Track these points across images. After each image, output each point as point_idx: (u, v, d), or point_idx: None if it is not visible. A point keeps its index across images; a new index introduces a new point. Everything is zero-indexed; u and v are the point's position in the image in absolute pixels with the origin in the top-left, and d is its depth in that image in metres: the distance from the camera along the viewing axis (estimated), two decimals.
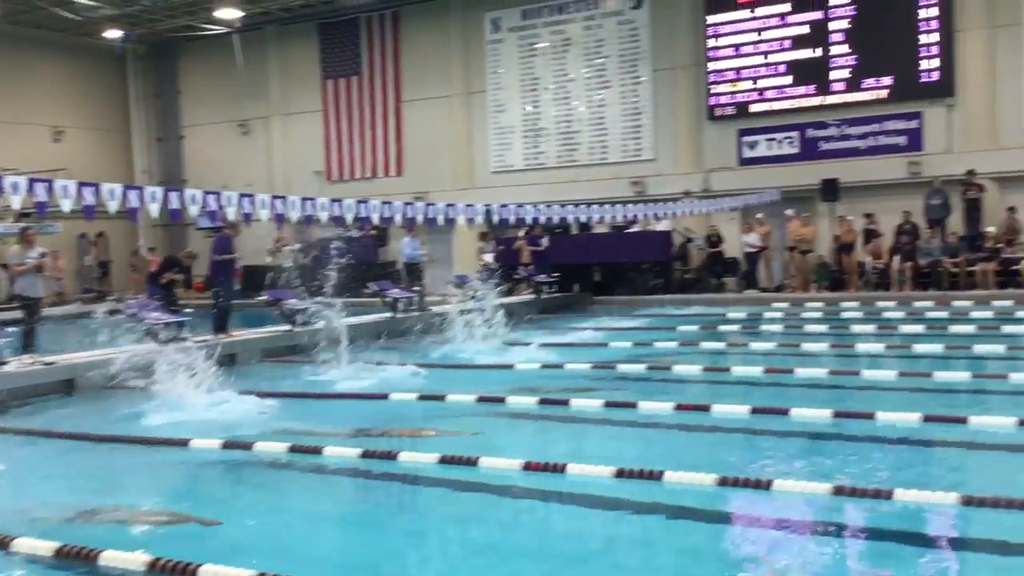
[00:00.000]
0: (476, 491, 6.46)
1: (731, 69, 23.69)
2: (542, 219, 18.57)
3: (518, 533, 5.76)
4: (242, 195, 13.13)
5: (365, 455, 7.23)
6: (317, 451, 7.46)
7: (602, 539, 5.54)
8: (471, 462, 6.79)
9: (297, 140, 29.67)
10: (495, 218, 17.42)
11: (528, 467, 6.64)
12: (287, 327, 14.60)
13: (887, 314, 16.79)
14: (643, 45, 25.00)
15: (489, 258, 20.76)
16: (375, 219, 15.57)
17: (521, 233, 21.80)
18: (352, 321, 15.81)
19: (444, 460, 6.88)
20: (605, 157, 25.58)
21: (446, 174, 27.16)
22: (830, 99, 22.68)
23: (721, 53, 23.78)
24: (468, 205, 17.00)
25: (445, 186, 26.36)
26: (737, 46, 23.61)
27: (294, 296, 14.88)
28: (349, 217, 14.98)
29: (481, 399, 9.49)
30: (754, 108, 23.54)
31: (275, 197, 13.62)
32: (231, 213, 12.93)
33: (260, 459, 7.51)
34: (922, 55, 21.70)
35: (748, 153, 23.68)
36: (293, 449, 7.51)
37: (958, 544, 5.24)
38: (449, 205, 16.70)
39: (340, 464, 7.25)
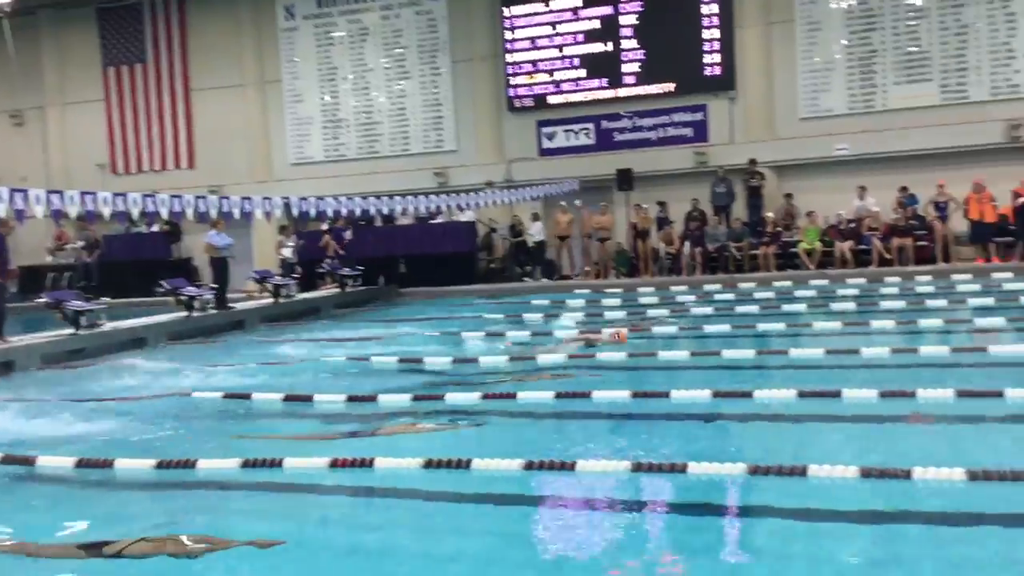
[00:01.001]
0: (280, 491, 6.24)
1: (528, 61, 24.11)
2: (344, 212, 18.24)
3: (326, 530, 5.60)
4: (13, 190, 12.12)
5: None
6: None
7: (411, 529, 5.46)
8: (275, 464, 6.54)
9: (77, 131, 27.83)
10: (295, 211, 16.95)
11: (335, 464, 6.46)
12: (71, 330, 13.64)
13: (680, 297, 17.56)
14: (442, 36, 25.04)
15: (289, 252, 20.22)
16: (164, 214, 14.76)
17: (324, 226, 21.36)
18: (144, 322, 15.05)
19: (246, 464, 6.60)
20: (407, 148, 25.46)
21: (242, 166, 26.25)
22: (622, 92, 23.50)
23: (518, 45, 24.16)
24: (266, 198, 16.45)
25: (241, 179, 25.49)
26: (533, 39, 24.05)
27: (76, 297, 13.90)
28: (135, 212, 14.14)
29: (288, 398, 9.18)
30: (552, 100, 24.06)
31: (51, 192, 12.65)
32: (1, 210, 11.91)
33: None
34: (705, 50, 22.84)
35: (547, 144, 24.19)
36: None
37: (747, 511, 5.51)
38: (245, 198, 16.09)
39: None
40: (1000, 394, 7.46)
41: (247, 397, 9.31)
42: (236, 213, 15.66)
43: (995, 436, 6.75)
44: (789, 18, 22.45)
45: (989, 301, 14.00)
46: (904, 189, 20.47)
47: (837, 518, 5.07)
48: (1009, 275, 17.01)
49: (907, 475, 5.51)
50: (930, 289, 16.29)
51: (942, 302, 14.35)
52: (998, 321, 12.00)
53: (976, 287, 15.97)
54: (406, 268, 22.05)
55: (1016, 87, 21.01)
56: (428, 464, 6.27)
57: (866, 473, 5.60)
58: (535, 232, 22.21)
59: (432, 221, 22.96)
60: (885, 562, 4.57)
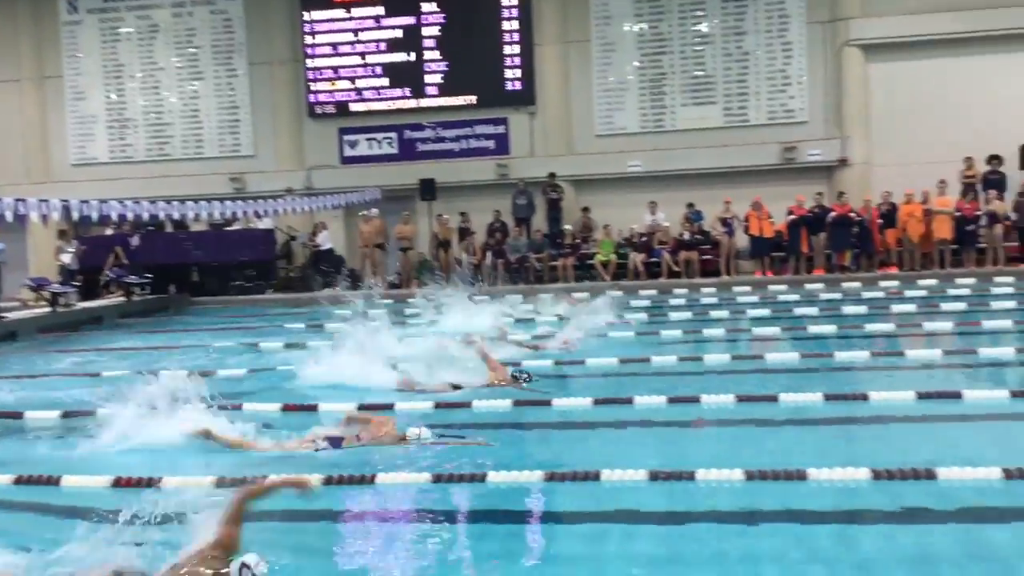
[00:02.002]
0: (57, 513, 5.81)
1: (330, 67, 23.73)
2: (130, 216, 17.25)
3: None
4: None
5: None
6: None
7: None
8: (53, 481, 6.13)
9: None
10: (75, 215, 15.88)
11: (118, 483, 6.08)
12: None
13: None
14: (238, 37, 24.23)
15: (68, 259, 18.93)
16: None
17: (109, 231, 20.14)
18: None
19: (20, 480, 6.16)
20: (201, 151, 24.45)
21: (18, 166, 24.38)
22: (425, 102, 23.54)
23: (319, 51, 23.73)
24: (43, 200, 15.32)
25: (17, 179, 23.64)
26: (335, 45, 23.69)
27: None
28: None
29: (67, 414, 8.54)
30: (354, 107, 23.78)
31: None
32: None
33: None
34: (506, 65, 23.25)
35: (350, 152, 23.87)
36: None
37: (547, 517, 5.60)
38: (19, 200, 14.92)
39: None
40: (775, 399, 7.94)
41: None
42: (8, 216, 14.50)
43: (770, 438, 7.15)
44: (585, 38, 23.21)
45: (766, 312, 14.92)
46: (691, 205, 21.58)
47: (629, 519, 5.23)
48: (783, 287, 18.24)
49: (691, 476, 5.76)
50: (714, 300, 17.21)
51: (724, 312, 15.18)
52: (774, 330, 12.81)
53: (754, 298, 17.01)
54: (200, 276, 21.12)
55: (791, 112, 22.61)
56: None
57: (654, 476, 5.81)
58: (322, 241, 21.85)
59: (228, 228, 22.12)
60: (670, 559, 4.73)
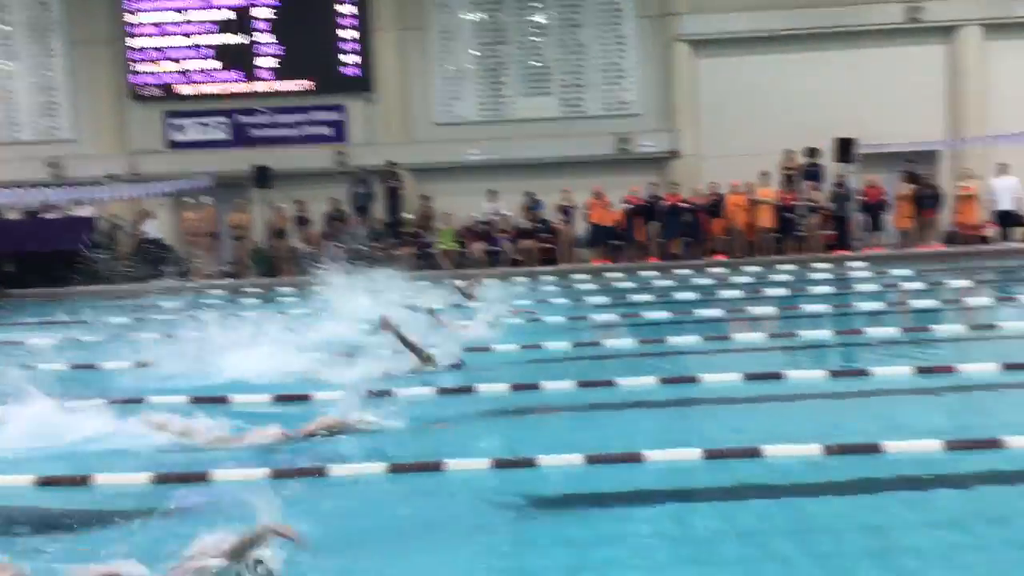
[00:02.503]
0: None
1: (154, 48, 22.66)
2: None
3: None
4: None
5: None
6: None
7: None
8: None
9: None
10: None
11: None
12: None
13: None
14: (55, 15, 22.83)
15: None
16: None
17: None
18: None
19: None
20: (16, 135, 22.91)
21: None
22: (258, 86, 22.84)
23: (142, 30, 22.62)
24: None
25: None
26: (159, 24, 22.64)
27: None
28: None
29: None
30: (181, 90, 22.80)
31: None
32: None
33: None
34: (343, 50, 22.83)
35: (178, 136, 22.89)
36: None
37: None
38: None
39: None
40: (611, 383, 8.11)
41: None
42: None
43: (608, 422, 7.29)
44: (423, 25, 23.08)
45: (605, 299, 15.27)
46: (530, 194, 21.84)
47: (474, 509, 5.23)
48: (620, 275, 18.72)
49: (531, 464, 5.82)
50: (554, 288, 17.48)
51: (564, 300, 15.43)
52: (612, 317, 13.12)
53: (593, 286, 17.38)
54: (14, 267, 19.78)
55: (625, 104, 23.21)
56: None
57: (499, 464, 5.83)
58: (150, 230, 20.94)
59: (45, 215, 20.80)
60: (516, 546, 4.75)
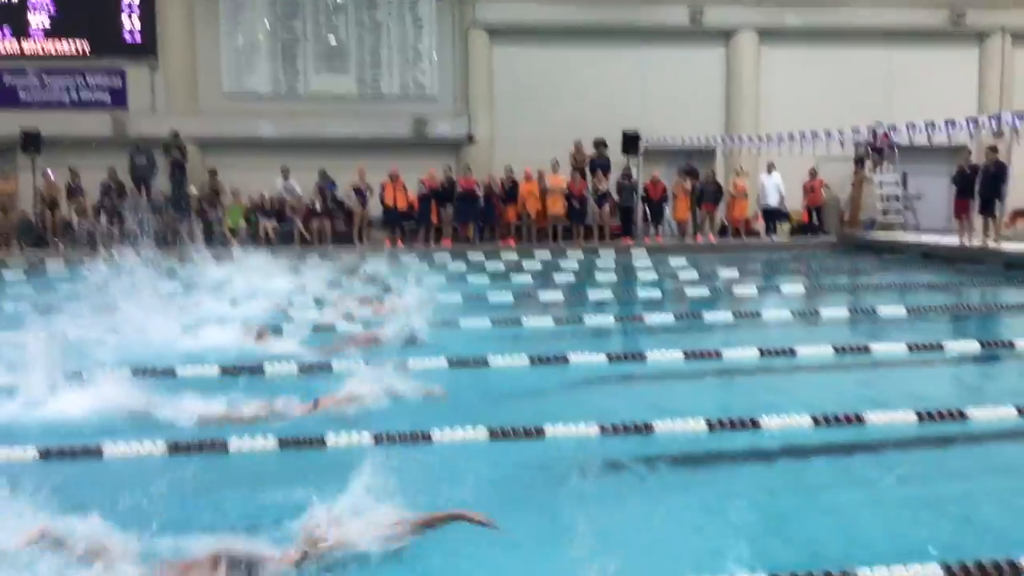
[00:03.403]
0: None
1: None
2: None
3: None
4: None
5: None
6: None
7: None
8: None
9: None
10: None
11: None
12: None
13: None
14: None
15: None
16: None
17: None
18: None
19: None
20: None
21: None
22: (28, 46, 21.19)
23: None
24: None
25: None
26: None
27: None
28: None
29: None
30: None
31: None
32: None
33: None
34: (124, 12, 21.53)
35: None
36: None
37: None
38: None
39: None
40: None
41: None
42: None
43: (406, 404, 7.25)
44: None
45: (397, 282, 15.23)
46: (324, 173, 21.44)
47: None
48: (414, 257, 18.73)
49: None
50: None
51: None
52: (405, 300, 13.07)
53: (388, 268, 17.27)
54: None
55: (422, 87, 23.21)
56: None
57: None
58: None
59: None
60: None
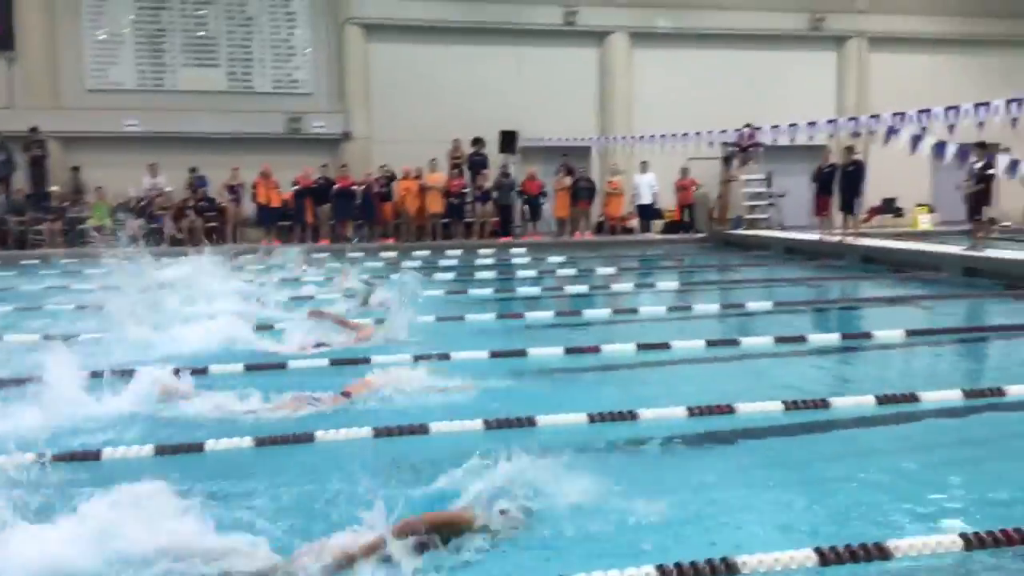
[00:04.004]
0: None
1: None
2: None
3: None
4: None
5: None
6: None
7: None
8: None
9: None
10: None
11: None
12: None
13: None
14: None
15: None
16: None
17: None
18: None
19: None
20: None
21: None
22: None
23: None
24: None
25: None
26: None
27: None
28: None
29: None
30: None
31: None
32: None
33: None
34: None
35: None
36: None
37: None
38: None
39: None
40: (283, 365, 8.03)
41: None
42: None
43: None
44: None
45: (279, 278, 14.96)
46: (194, 170, 20.86)
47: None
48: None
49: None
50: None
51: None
52: (279, 297, 12.84)
53: (261, 266, 16.92)
54: None
55: (296, 83, 22.83)
56: None
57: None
58: None
59: None
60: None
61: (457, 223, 21.90)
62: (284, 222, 20.99)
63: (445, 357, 8.25)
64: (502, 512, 4.15)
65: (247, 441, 5.75)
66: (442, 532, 4.00)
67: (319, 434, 5.85)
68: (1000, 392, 7.03)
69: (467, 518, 4.17)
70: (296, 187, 20.63)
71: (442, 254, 19.05)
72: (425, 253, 19.14)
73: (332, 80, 23.06)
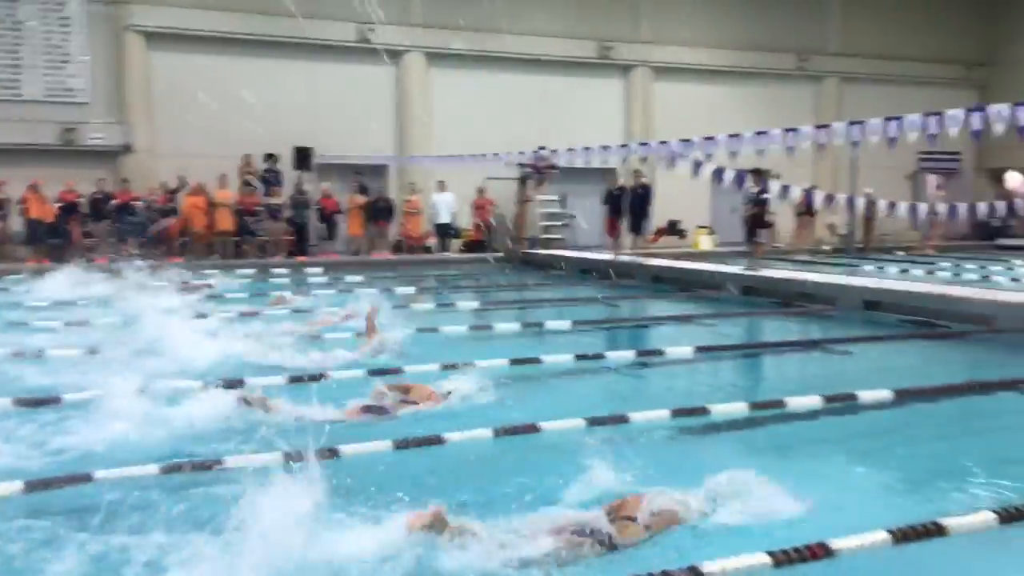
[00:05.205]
0: None
1: None
2: None
3: None
4: None
5: None
6: None
7: None
8: None
9: None
10: None
11: None
12: None
13: None
14: None
15: None
16: None
17: None
18: None
19: None
20: None
21: None
22: None
23: None
24: None
25: None
26: None
27: None
28: None
29: None
30: None
31: None
32: None
33: None
34: None
35: None
36: None
37: None
38: None
39: None
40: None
41: None
42: None
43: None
44: None
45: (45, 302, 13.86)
46: None
47: None
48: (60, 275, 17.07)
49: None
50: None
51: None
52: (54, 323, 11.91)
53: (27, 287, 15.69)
54: None
55: (71, 91, 21.36)
56: None
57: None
58: None
59: None
60: None
61: (250, 240, 21.11)
62: (56, 239, 19.52)
63: (239, 384, 7.85)
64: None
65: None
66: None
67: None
68: (781, 404, 7.44)
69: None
70: (60, 203, 19.25)
71: (232, 273, 18.26)
72: (214, 272, 18.29)
73: (110, 89, 21.71)
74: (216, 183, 20.79)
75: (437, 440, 6.12)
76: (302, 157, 22.21)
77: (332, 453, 5.62)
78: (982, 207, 19.06)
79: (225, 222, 20.60)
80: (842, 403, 7.57)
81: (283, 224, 21.56)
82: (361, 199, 22.25)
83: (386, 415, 7.02)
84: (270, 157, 21.89)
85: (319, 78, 23.44)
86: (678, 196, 24.68)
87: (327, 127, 22.82)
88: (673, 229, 26.07)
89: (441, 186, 23.18)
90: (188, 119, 21.92)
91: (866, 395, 7.72)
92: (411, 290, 16.14)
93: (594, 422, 6.65)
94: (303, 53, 23.30)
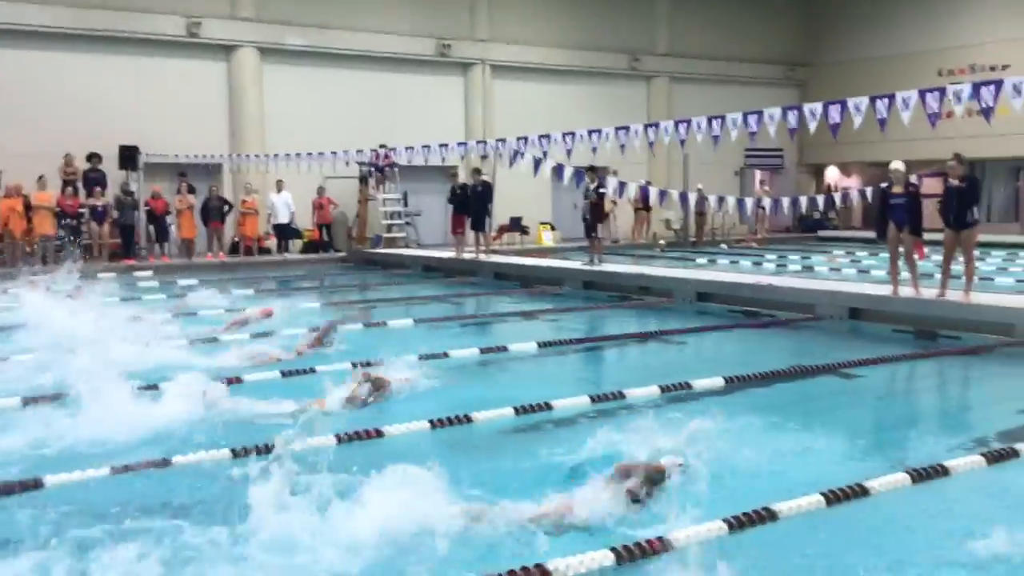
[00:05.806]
0: None
1: None
2: None
3: None
4: None
5: None
6: None
7: None
8: None
9: None
10: None
11: None
12: None
13: None
14: None
15: None
16: None
17: None
18: None
19: None
20: None
21: None
22: None
23: None
24: None
25: None
26: None
27: None
28: None
29: None
30: None
31: None
32: None
33: None
34: None
35: None
36: None
37: None
38: None
39: None
40: None
41: None
42: None
43: None
44: None
45: None
46: None
47: None
48: None
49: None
50: None
51: None
52: None
53: None
54: None
55: None
56: None
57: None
58: None
59: None
60: None
61: (73, 245, 19.94)
62: None
63: (59, 397, 7.41)
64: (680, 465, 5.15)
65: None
66: (653, 477, 4.99)
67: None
68: (622, 395, 7.63)
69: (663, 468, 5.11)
70: None
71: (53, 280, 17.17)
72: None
73: None
74: (35, 184, 19.55)
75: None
76: (128, 156, 21.18)
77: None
78: (803, 201, 20.11)
79: (45, 226, 19.41)
80: (677, 392, 7.83)
81: (110, 227, 20.51)
82: (191, 199, 21.41)
83: None
84: (93, 157, 20.76)
85: (145, 74, 22.38)
86: (520, 193, 24.95)
87: (155, 125, 21.81)
88: (516, 226, 26.32)
89: (279, 186, 22.59)
90: (3, 117, 20.54)
91: (700, 383, 8.02)
92: (248, 292, 15.65)
93: (436, 424, 6.63)
94: (128, 48, 22.20)
